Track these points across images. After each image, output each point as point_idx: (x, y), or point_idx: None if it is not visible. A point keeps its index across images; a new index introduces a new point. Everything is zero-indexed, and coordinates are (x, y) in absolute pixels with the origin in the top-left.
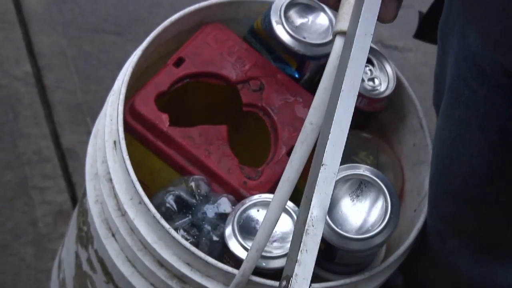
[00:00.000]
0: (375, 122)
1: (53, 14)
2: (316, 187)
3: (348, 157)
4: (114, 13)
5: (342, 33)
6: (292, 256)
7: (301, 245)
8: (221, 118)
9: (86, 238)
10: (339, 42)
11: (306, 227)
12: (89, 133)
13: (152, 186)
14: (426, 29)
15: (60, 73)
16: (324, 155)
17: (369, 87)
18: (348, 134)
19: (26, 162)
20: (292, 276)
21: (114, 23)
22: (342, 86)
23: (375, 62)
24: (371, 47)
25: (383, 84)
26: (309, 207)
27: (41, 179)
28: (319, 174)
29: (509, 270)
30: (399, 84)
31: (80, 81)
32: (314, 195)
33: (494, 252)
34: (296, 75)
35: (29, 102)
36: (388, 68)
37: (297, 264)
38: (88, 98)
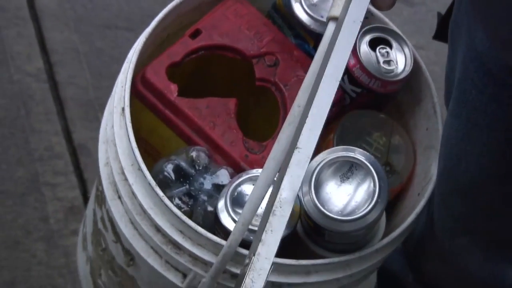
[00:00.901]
0: (393, 104)
1: (66, 10)
2: (287, 169)
3: (360, 137)
4: (127, 8)
5: (335, 19)
6: (258, 235)
7: (267, 225)
8: (236, 91)
9: (101, 197)
10: (330, 27)
11: (273, 208)
12: None
13: (163, 153)
14: (445, 30)
15: (72, 69)
16: (300, 138)
17: (384, 70)
18: (362, 114)
19: (37, 158)
20: (254, 255)
21: (126, 19)
22: (325, 71)
23: (393, 44)
24: (391, 30)
25: (399, 66)
26: (279, 188)
27: (53, 175)
28: (292, 157)
29: None
30: (417, 67)
31: (92, 77)
32: (285, 177)
33: (504, 251)
34: (313, 53)
35: (41, 98)
36: (407, 51)
37: (260, 243)
38: (99, 94)
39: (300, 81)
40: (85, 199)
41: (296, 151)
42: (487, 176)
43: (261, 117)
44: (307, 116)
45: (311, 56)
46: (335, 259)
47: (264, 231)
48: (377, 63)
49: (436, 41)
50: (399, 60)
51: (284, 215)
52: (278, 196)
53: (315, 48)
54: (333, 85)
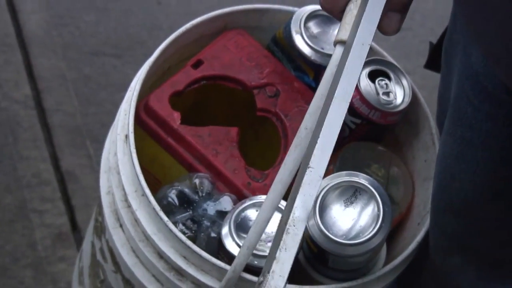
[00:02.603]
0: (391, 137)
1: (53, 37)
2: (300, 188)
3: (359, 168)
4: (114, 35)
5: (342, 42)
6: (271, 253)
7: (281, 243)
8: (237, 121)
9: (100, 228)
10: (338, 50)
11: (287, 227)
12: (88, 156)
13: (164, 182)
14: (437, 59)
15: (60, 96)
16: (312, 158)
17: (383, 101)
18: (360, 146)
19: (25, 185)
20: (269, 273)
21: (114, 46)
22: (335, 93)
23: (392, 76)
24: (389, 62)
25: (398, 98)
26: (292, 207)
27: (40, 202)
28: (305, 176)
29: None
30: (415, 99)
31: (79, 104)
32: (297, 196)
33: (496, 269)
34: (313, 85)
35: (29, 125)
36: (405, 83)
37: (275, 261)
38: (87, 121)
39: (301, 111)
40: (73, 225)
41: (308, 171)
42: (481, 194)
43: (258, 147)
44: (318, 137)
45: (311, 88)
46: (338, 286)
47: (278, 249)
48: (377, 95)
49: (428, 70)
50: (398, 92)
51: (297, 233)
52: (292, 214)
53: (315, 79)
54: (343, 107)
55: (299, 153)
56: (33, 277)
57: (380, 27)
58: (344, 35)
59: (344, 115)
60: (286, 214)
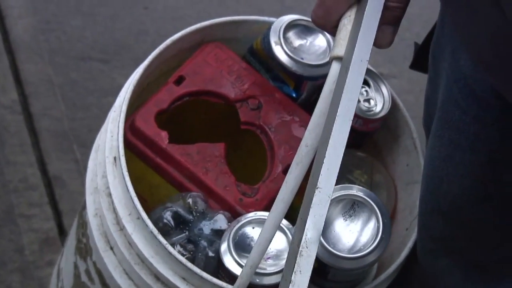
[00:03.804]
0: (370, 142)
1: (40, 42)
2: (310, 209)
3: (342, 176)
4: (101, 40)
5: (339, 59)
6: (286, 276)
7: (295, 266)
8: (220, 135)
9: (85, 249)
10: (335, 67)
11: (300, 249)
12: (75, 160)
13: (150, 201)
14: (422, 60)
15: (47, 101)
16: (319, 178)
17: (364, 108)
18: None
19: (12, 190)
20: None
21: (100, 50)
22: (338, 111)
23: (371, 83)
24: (368, 69)
25: (378, 105)
26: (304, 229)
27: (28, 206)
28: (314, 197)
29: None
30: (394, 105)
31: (66, 108)
32: (308, 217)
33: (483, 272)
34: (294, 95)
35: (16, 129)
36: (384, 90)
37: (291, 284)
38: (74, 125)
39: (284, 122)
40: (60, 230)
41: (317, 191)
42: (469, 197)
43: (239, 160)
44: (324, 156)
45: (291, 98)
46: None
47: (294, 272)
48: (358, 102)
49: (410, 69)
50: (378, 99)
51: (311, 255)
52: (304, 236)
53: (296, 89)
54: (347, 125)
55: (300, 171)
56: (20, 282)
57: (374, 41)
58: (341, 51)
59: (347, 134)
60: (297, 236)
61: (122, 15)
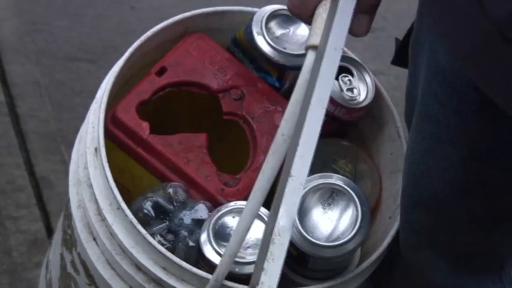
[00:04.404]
0: (355, 131)
1: (26, 43)
2: (283, 197)
3: (327, 165)
4: (88, 41)
5: (314, 47)
6: (259, 264)
7: (268, 254)
8: (205, 127)
9: (70, 241)
10: (310, 56)
11: (272, 237)
12: (63, 161)
13: (134, 192)
14: (403, 55)
15: (33, 102)
16: (292, 166)
17: (347, 97)
18: (326, 143)
19: (0, 192)
20: (258, 284)
21: (87, 51)
22: (311, 99)
23: (354, 72)
24: (351, 58)
25: (362, 94)
26: (277, 217)
27: (15, 208)
28: (287, 185)
29: (481, 284)
30: (378, 94)
31: (53, 109)
32: (281, 205)
33: (467, 264)
34: (277, 85)
35: (3, 131)
36: (368, 79)
37: (263, 272)
38: (61, 126)
39: (267, 112)
40: (48, 231)
41: (290, 179)
42: (451, 190)
43: (223, 150)
44: (297, 144)
45: (274, 88)
46: (319, 286)
47: (266, 260)
48: (341, 91)
49: (395, 66)
50: (361, 88)
51: (283, 243)
52: (276, 224)
53: (279, 79)
54: (320, 113)
55: (277, 160)
56: (9, 284)
57: (350, 29)
58: (316, 40)
59: (322, 121)
60: (270, 224)
61: (109, 15)
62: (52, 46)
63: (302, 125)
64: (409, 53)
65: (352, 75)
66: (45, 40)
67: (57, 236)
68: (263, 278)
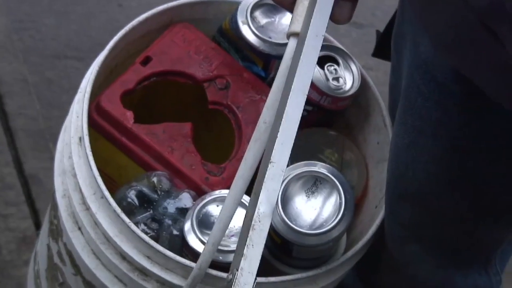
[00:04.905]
0: (341, 120)
1: (14, 41)
2: (263, 183)
3: (313, 155)
4: (76, 38)
5: (295, 35)
6: (239, 250)
7: (248, 239)
8: (190, 116)
9: (56, 231)
10: (292, 43)
11: (252, 223)
12: (52, 159)
13: (119, 182)
14: (384, 47)
15: (22, 100)
16: (273, 152)
17: (333, 86)
18: (312, 132)
19: None
20: (238, 270)
21: (75, 48)
22: (292, 86)
23: (340, 61)
24: (336, 47)
25: (348, 83)
26: (257, 203)
27: (4, 206)
28: (267, 171)
29: (467, 277)
30: (364, 83)
31: (42, 107)
32: (261, 191)
33: (453, 257)
34: (262, 74)
35: None
36: (354, 68)
37: (243, 258)
38: (50, 124)
39: (252, 102)
40: (38, 229)
41: (270, 165)
42: (435, 183)
43: (210, 140)
44: (278, 131)
45: (260, 77)
46: (303, 274)
47: (246, 246)
48: (326, 80)
49: (387, 62)
50: (347, 77)
51: (263, 229)
52: (256, 210)
53: (264, 69)
54: (301, 100)
55: (259, 148)
56: None
57: (332, 16)
58: (297, 27)
59: (302, 108)
60: (250, 210)
61: (97, 13)
62: (40, 44)
63: (283, 112)
64: (391, 46)
65: (338, 64)
66: (32, 38)
67: (44, 227)
68: (242, 263)
